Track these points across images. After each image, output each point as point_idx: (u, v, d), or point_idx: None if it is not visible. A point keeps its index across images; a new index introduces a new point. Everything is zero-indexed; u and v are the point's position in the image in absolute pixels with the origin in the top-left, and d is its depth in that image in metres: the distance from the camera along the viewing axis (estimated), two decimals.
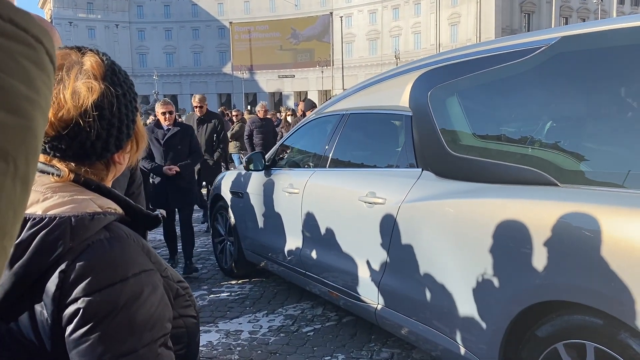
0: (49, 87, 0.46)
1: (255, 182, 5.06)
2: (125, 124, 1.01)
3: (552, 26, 48.79)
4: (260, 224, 4.95)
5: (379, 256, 3.34)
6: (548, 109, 2.72)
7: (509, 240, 2.48)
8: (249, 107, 31.10)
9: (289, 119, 11.11)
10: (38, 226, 0.88)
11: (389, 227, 3.23)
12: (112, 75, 1.00)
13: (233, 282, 5.62)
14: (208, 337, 4.13)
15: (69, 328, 0.86)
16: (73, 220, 0.89)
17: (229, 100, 76.47)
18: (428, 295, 2.98)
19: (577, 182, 2.35)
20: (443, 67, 3.24)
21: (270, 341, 4.07)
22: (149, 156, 5.68)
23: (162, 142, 5.67)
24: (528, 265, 2.36)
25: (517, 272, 2.44)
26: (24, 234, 0.87)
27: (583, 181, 2.34)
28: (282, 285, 5.39)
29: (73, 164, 0.99)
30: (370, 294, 3.47)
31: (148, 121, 12.69)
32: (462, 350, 2.75)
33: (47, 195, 0.93)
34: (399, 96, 3.50)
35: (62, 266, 0.87)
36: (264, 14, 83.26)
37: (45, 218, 0.89)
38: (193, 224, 6.27)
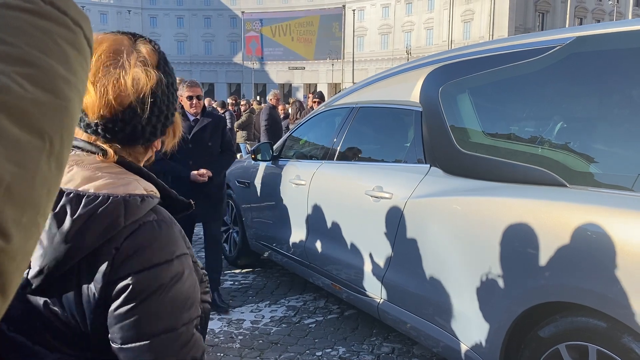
0: (85, 70, 0.47)
1: (262, 173, 5.07)
2: (171, 112, 1.07)
3: (567, 25, 48.36)
4: (266, 214, 4.96)
5: (384, 251, 3.34)
6: (560, 109, 2.69)
7: (515, 239, 2.47)
8: (257, 97, 31.10)
9: (289, 110, 11.03)
10: (94, 203, 0.92)
11: (394, 222, 3.22)
12: (164, 64, 1.06)
13: (237, 271, 5.64)
14: (210, 325, 4.16)
15: (115, 303, 0.91)
16: (126, 200, 0.94)
17: (239, 90, 76.46)
18: (431, 291, 2.97)
19: (586, 183, 2.33)
20: (455, 63, 3.22)
21: (272, 331, 4.09)
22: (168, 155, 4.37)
23: (189, 137, 4.25)
24: (533, 265, 2.35)
25: (521, 272, 2.43)
26: (81, 210, 0.91)
27: (592, 183, 2.32)
28: (285, 276, 5.40)
29: (118, 146, 1.03)
30: (373, 288, 3.47)
31: None
32: (464, 348, 2.75)
33: (97, 174, 0.97)
34: (409, 91, 3.48)
35: (115, 244, 0.91)
36: (276, 5, 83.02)
37: (100, 196, 0.93)
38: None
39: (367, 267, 3.52)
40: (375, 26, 78.14)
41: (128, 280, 0.90)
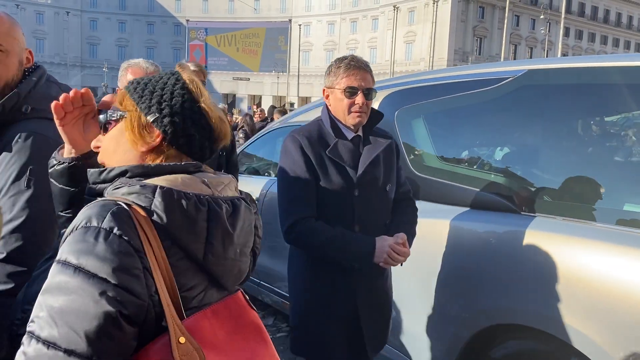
0: None
1: None
2: None
3: (502, 51, 50.65)
4: None
5: None
6: (511, 138, 2.83)
7: (466, 262, 2.55)
8: None
9: (238, 122, 10.89)
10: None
11: None
12: None
13: None
14: None
15: None
16: None
17: None
18: None
19: (536, 210, 2.45)
20: (411, 88, 3.31)
21: None
22: (303, 204, 2.17)
23: (354, 174, 2.20)
24: (484, 288, 2.44)
25: (472, 294, 2.51)
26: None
27: (541, 210, 2.44)
28: None
29: None
30: None
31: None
32: None
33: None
34: None
35: None
36: (222, 15, 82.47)
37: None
38: None
39: None
40: (321, 42, 79.07)
41: None
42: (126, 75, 2.69)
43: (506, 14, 50.65)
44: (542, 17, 52.91)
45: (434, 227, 2.77)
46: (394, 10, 66.33)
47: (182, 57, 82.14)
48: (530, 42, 70.14)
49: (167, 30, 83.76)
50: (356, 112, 2.17)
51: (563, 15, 42.05)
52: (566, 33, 67.17)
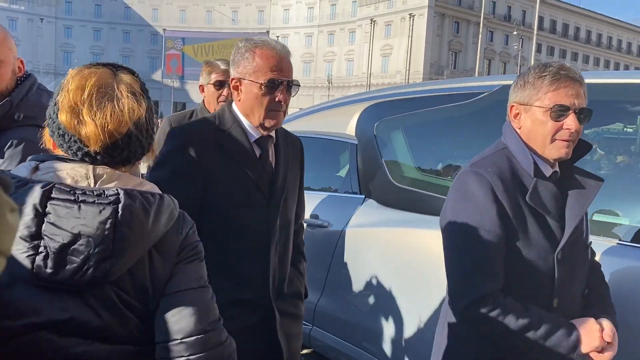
0: None
1: None
2: (153, 131, 1.19)
3: (477, 65, 51.63)
4: None
5: (318, 279, 3.41)
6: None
7: (443, 269, 2.62)
8: None
9: None
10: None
11: (329, 251, 3.31)
12: (145, 89, 1.18)
13: None
14: None
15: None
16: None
17: (157, 107, 74.39)
18: (363, 318, 3.08)
19: None
20: (390, 101, 3.41)
21: None
22: (492, 272, 1.58)
23: (562, 231, 1.62)
24: None
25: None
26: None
27: None
28: None
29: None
30: (305, 315, 3.51)
31: None
32: None
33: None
34: (345, 124, 3.62)
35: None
36: (199, 25, 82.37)
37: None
38: None
39: None
40: (298, 54, 79.41)
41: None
42: (255, 60, 1.85)
43: (480, 30, 51.67)
44: (515, 33, 54.16)
45: (413, 236, 2.85)
46: (371, 23, 67.13)
47: (158, 67, 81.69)
48: (504, 57, 71.65)
49: (144, 39, 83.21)
50: (564, 140, 1.59)
51: (535, 32, 43.08)
52: (538, 49, 68.81)
